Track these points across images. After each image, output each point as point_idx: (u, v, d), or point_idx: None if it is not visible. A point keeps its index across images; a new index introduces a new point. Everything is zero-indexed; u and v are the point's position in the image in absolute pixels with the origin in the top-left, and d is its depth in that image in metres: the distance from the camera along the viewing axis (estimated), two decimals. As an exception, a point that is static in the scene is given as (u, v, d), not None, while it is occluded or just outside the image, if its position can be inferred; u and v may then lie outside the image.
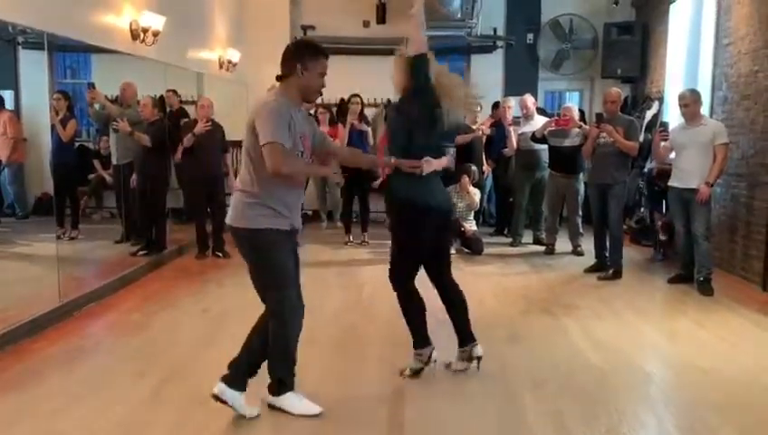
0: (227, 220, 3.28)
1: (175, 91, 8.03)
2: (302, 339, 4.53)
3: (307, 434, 3.16)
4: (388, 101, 9.70)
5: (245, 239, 3.23)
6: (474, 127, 7.78)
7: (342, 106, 8.92)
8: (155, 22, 6.47)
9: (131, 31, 6.24)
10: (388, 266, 3.76)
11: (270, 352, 3.29)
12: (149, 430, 3.17)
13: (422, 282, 3.77)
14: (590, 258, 6.70)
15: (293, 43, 3.40)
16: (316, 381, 3.73)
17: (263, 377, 3.31)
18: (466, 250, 7.33)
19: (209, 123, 6.81)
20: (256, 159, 3.12)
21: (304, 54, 3.22)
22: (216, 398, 3.23)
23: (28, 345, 4.26)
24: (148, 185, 6.64)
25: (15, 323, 4.34)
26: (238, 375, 3.27)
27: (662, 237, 6.86)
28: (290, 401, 3.30)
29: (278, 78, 3.26)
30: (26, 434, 3.12)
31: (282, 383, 3.29)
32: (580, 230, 7.40)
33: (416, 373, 3.71)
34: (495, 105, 8.61)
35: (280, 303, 3.24)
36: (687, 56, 7.70)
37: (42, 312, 4.64)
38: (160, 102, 7.39)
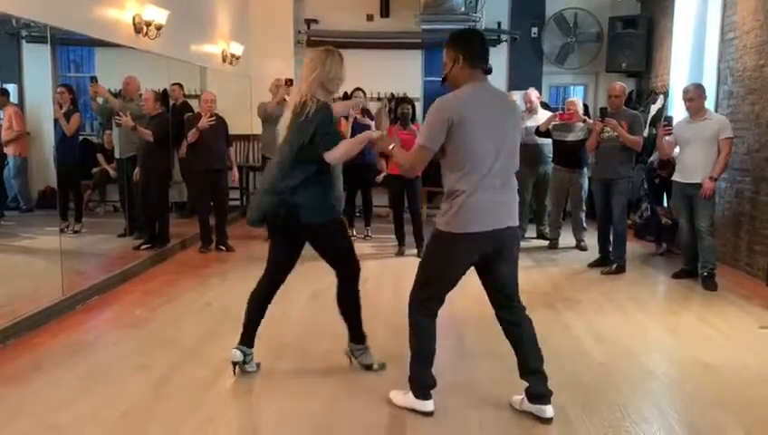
0: (503, 225, 3.13)
1: (180, 85, 8.03)
2: (307, 333, 4.55)
3: (311, 425, 3.16)
4: (391, 95, 9.72)
5: None
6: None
7: (346, 99, 8.89)
8: (158, 15, 6.46)
9: (134, 24, 6.23)
10: None
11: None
12: (152, 423, 3.17)
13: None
14: (593, 253, 6.69)
15: (481, 34, 3.29)
16: (320, 373, 3.75)
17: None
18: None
19: (213, 118, 6.80)
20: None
21: None
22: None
23: (31, 339, 4.27)
24: (150, 179, 6.63)
25: (18, 317, 4.35)
26: None
27: (668, 222, 6.76)
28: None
29: (487, 72, 3.16)
30: (29, 427, 3.12)
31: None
32: (584, 225, 7.38)
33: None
34: None
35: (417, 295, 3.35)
36: (692, 50, 7.65)
37: (45, 305, 4.64)
38: (163, 96, 7.39)
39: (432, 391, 3.28)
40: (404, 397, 3.32)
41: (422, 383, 3.27)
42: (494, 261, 3.18)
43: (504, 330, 3.32)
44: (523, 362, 3.27)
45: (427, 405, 3.26)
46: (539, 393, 3.22)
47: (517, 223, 3.25)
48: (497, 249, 3.14)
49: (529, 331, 3.29)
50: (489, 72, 3.15)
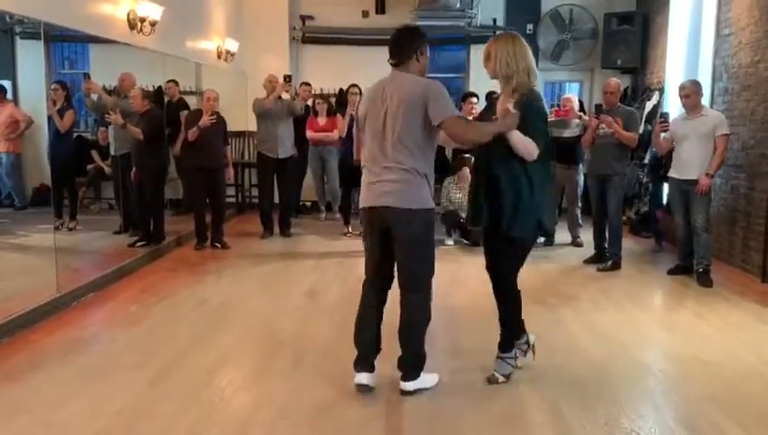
0: (389, 203, 3.26)
1: (176, 82, 7.99)
2: (303, 328, 4.54)
3: (305, 421, 3.16)
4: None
5: (422, 219, 3.30)
6: (470, 118, 7.69)
7: (341, 96, 8.89)
8: (153, 11, 6.44)
9: (129, 20, 6.22)
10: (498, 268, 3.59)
11: (416, 330, 3.40)
12: (148, 420, 3.16)
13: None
14: (589, 249, 6.70)
15: (406, 30, 3.44)
16: (316, 369, 3.75)
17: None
18: (465, 241, 7.34)
19: (214, 117, 6.78)
20: (424, 139, 3.25)
21: (421, 40, 3.35)
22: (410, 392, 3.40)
23: (26, 336, 4.26)
24: (144, 176, 6.60)
25: (13, 314, 4.34)
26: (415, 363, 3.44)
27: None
28: (426, 377, 3.47)
29: (395, 65, 3.35)
30: (25, 426, 3.11)
31: (422, 362, 3.43)
32: (580, 221, 7.40)
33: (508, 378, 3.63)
34: (489, 95, 8.52)
35: (430, 279, 3.43)
36: (688, 47, 7.66)
37: (39, 303, 4.63)
38: (156, 93, 7.35)
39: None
40: None
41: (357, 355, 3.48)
42: (391, 239, 3.36)
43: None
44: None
45: (357, 377, 3.44)
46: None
47: (415, 206, 3.25)
48: (385, 227, 3.34)
49: (403, 318, 3.40)
50: (394, 64, 3.35)
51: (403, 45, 3.34)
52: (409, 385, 3.40)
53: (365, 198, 3.40)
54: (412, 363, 3.42)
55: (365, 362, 3.44)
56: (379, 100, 3.31)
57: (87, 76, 6.74)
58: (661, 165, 6.92)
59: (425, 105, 3.18)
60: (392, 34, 3.40)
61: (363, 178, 3.43)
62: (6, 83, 6.65)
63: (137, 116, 6.55)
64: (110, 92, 6.92)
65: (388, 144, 3.26)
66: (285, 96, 7.58)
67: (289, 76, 7.63)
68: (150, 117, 6.58)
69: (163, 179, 6.91)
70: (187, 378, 3.64)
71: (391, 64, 3.37)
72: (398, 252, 3.36)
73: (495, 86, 3.58)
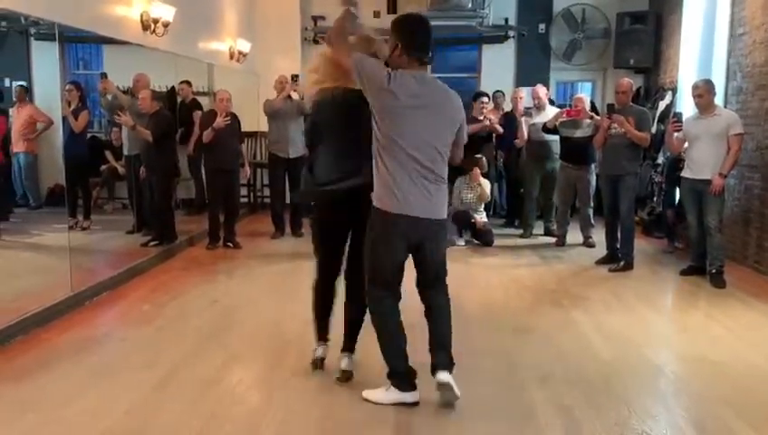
0: (434, 215, 3.17)
1: (188, 83, 8.04)
2: (312, 328, 4.55)
3: (314, 421, 3.17)
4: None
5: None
6: (480, 118, 7.64)
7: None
8: (165, 12, 6.48)
9: (142, 21, 6.26)
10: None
11: (450, 324, 3.33)
12: (157, 419, 3.18)
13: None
14: (601, 250, 6.67)
15: (425, 20, 3.21)
16: (324, 368, 3.74)
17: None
18: (477, 241, 7.32)
19: (228, 118, 6.81)
20: (447, 152, 3.21)
21: None
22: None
23: (39, 335, 4.30)
24: (153, 176, 6.65)
25: (27, 313, 4.37)
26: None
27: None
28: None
29: (426, 62, 3.15)
30: (36, 423, 3.14)
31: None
32: (592, 222, 7.36)
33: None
34: (494, 95, 8.49)
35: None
36: (701, 46, 7.61)
37: (53, 302, 4.67)
38: (170, 94, 7.38)
39: (430, 383, 3.25)
40: (386, 393, 3.31)
41: (397, 373, 3.30)
42: (422, 247, 3.24)
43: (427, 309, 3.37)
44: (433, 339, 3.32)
45: (412, 396, 3.27)
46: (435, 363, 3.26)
47: (443, 216, 3.25)
48: (421, 237, 3.19)
49: (443, 317, 3.35)
50: (429, 62, 3.13)
51: (429, 40, 3.12)
52: (444, 377, 3.22)
53: (400, 206, 3.06)
54: (450, 357, 3.29)
55: (413, 378, 3.30)
56: (415, 100, 3.03)
57: (104, 76, 6.81)
58: (678, 166, 6.88)
59: (461, 122, 3.22)
60: (421, 24, 3.15)
61: (389, 179, 3.06)
62: (22, 84, 6.72)
63: (146, 117, 6.59)
64: (124, 93, 6.97)
65: (424, 151, 3.06)
66: (295, 96, 7.60)
67: (296, 75, 7.65)
68: (159, 118, 6.61)
69: (172, 179, 6.94)
70: (196, 378, 3.65)
71: (425, 62, 3.13)
72: (429, 258, 3.26)
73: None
